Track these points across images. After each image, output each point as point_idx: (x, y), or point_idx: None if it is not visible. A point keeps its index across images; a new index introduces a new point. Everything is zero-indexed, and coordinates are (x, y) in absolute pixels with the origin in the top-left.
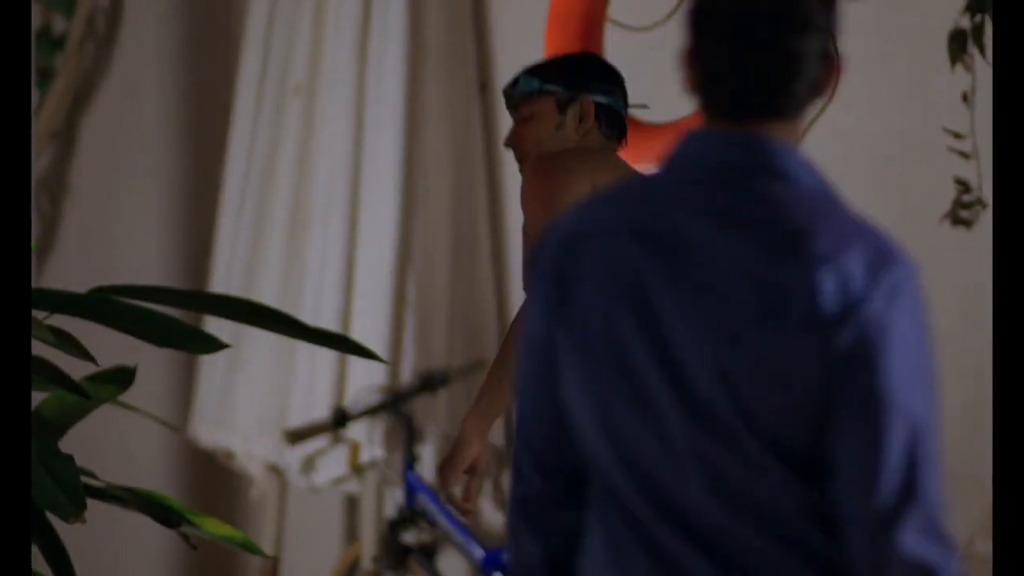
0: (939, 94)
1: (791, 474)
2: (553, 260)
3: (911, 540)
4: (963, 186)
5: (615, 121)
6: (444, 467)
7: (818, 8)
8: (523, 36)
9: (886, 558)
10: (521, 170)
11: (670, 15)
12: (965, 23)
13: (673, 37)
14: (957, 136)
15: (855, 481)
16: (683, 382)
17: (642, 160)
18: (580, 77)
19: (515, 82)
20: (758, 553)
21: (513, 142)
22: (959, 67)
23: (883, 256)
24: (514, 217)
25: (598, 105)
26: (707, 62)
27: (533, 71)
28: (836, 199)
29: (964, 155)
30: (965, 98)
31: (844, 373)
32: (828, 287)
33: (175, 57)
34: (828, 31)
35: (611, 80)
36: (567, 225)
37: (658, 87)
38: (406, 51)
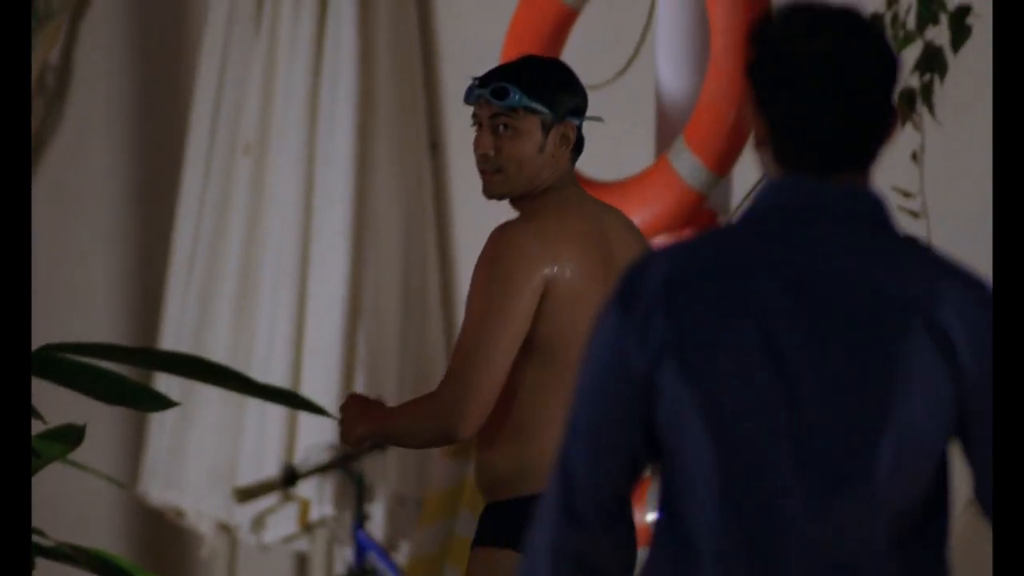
0: (888, 153)
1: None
2: (659, 298)
3: None
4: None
5: (581, 140)
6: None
7: (890, 63)
8: None
9: None
10: (489, 183)
11: (619, 74)
12: (914, 82)
13: (623, 95)
14: (906, 195)
15: None
16: (814, 435)
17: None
18: (567, 100)
19: (500, 91)
20: None
21: (488, 153)
22: (908, 126)
23: (985, 293)
24: (465, 275)
25: (578, 128)
26: (788, 121)
27: (516, 81)
28: (924, 245)
29: (913, 214)
30: (914, 157)
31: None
32: (959, 333)
33: (125, 115)
34: (895, 82)
35: (583, 96)
36: (674, 261)
37: (610, 145)
38: (356, 110)
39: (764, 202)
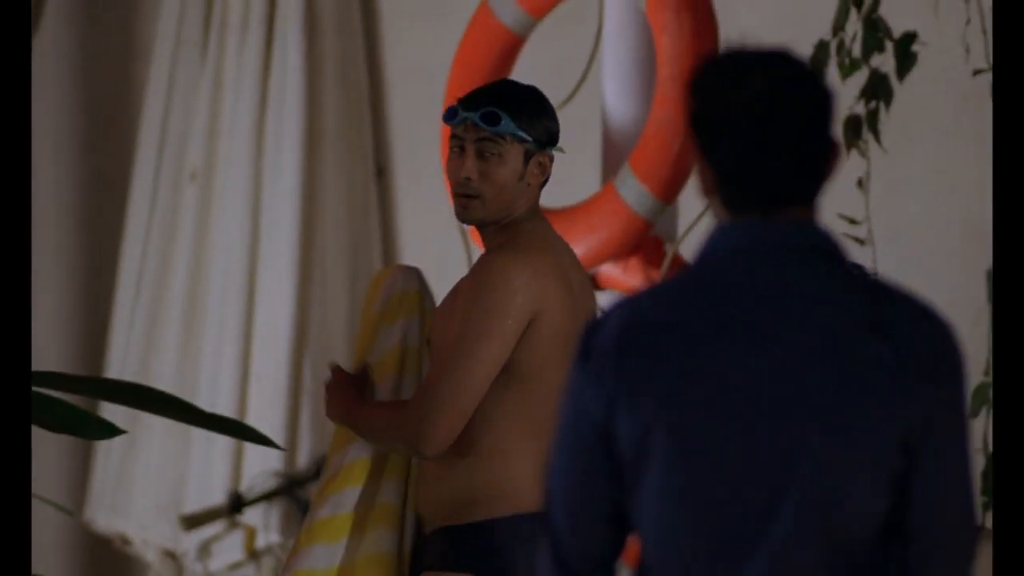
0: (834, 180)
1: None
2: (629, 352)
3: None
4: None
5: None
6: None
7: (824, 100)
8: (420, 121)
9: None
10: (465, 208)
11: (565, 102)
12: (860, 109)
13: (570, 122)
14: (852, 222)
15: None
16: (773, 471)
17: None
18: (547, 129)
19: (490, 116)
20: None
21: (470, 177)
22: (854, 153)
23: (936, 321)
24: None
25: (552, 157)
26: (729, 163)
27: (505, 107)
28: (872, 275)
29: (859, 241)
30: (860, 184)
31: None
32: (909, 357)
33: (71, 142)
34: (831, 117)
35: (557, 126)
36: (640, 315)
37: (556, 171)
38: (303, 137)
39: (713, 246)
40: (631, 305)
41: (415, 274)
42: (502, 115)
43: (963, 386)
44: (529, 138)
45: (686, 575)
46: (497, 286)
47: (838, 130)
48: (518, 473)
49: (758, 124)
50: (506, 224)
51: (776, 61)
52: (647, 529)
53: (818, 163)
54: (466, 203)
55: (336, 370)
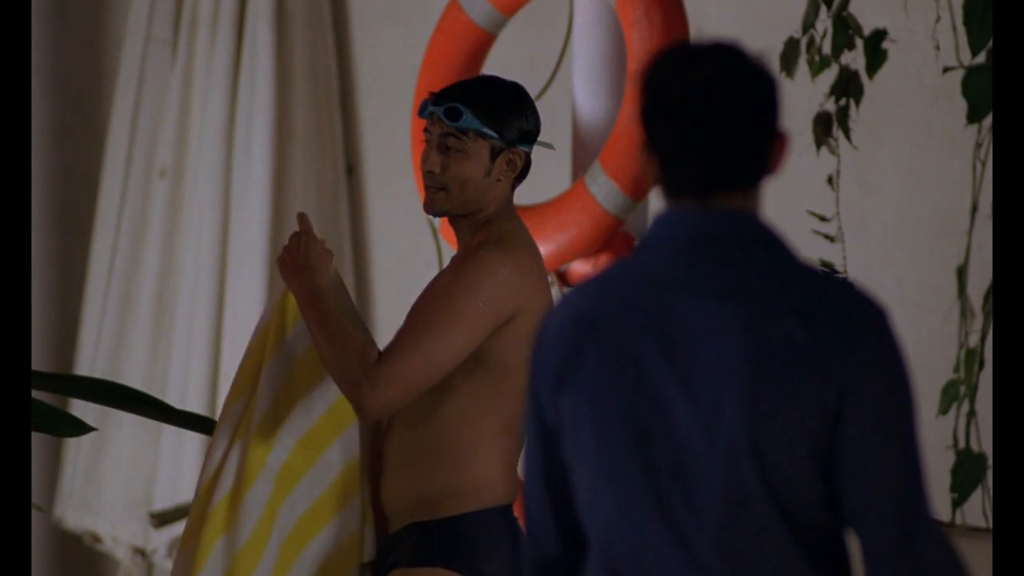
0: (804, 177)
1: (794, 533)
2: (558, 345)
3: None
4: (828, 268)
5: (528, 166)
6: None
7: (766, 89)
8: (390, 119)
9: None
10: (431, 200)
11: (537, 97)
12: (830, 107)
13: (542, 117)
14: (822, 219)
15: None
16: (696, 456)
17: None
18: (518, 127)
19: (453, 112)
20: None
21: (434, 171)
22: (824, 150)
23: (858, 301)
24: (381, 295)
25: (524, 155)
26: (670, 149)
27: (471, 103)
28: (807, 261)
29: (829, 238)
30: (830, 180)
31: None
32: (823, 336)
33: (41, 138)
34: (776, 108)
35: (536, 123)
36: (569, 309)
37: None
38: (273, 134)
39: (652, 234)
40: (570, 297)
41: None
42: (464, 111)
43: (889, 367)
44: (494, 134)
45: (634, 562)
46: (482, 276)
47: (802, 125)
48: (488, 468)
49: (697, 110)
50: (482, 222)
51: (722, 51)
52: (588, 519)
53: (759, 151)
54: (432, 195)
55: (304, 218)
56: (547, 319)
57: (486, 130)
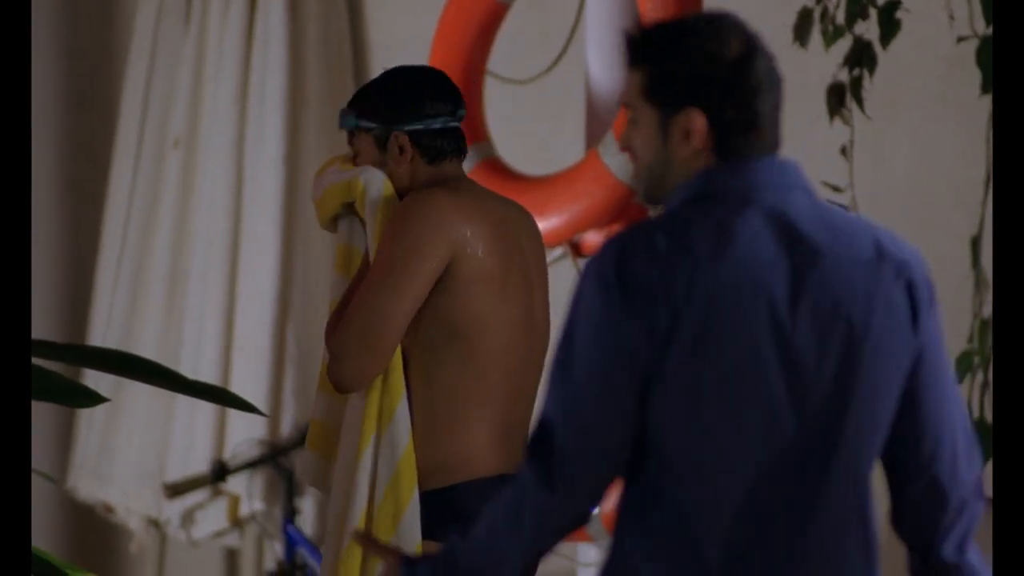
0: (817, 147)
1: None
2: (661, 287)
3: None
4: None
5: (436, 143)
6: None
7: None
8: None
9: None
10: None
11: (548, 69)
12: (844, 77)
13: (553, 90)
14: (836, 189)
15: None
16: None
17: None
18: (391, 111)
19: (341, 117)
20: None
21: None
22: (838, 120)
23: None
24: None
25: (419, 132)
26: (728, 116)
27: (352, 103)
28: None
29: (843, 207)
30: (843, 151)
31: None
32: (919, 278)
33: (54, 109)
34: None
35: (430, 100)
36: (658, 252)
37: (540, 140)
38: (286, 104)
39: (708, 186)
40: (652, 241)
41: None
42: (345, 112)
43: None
44: (372, 125)
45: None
46: (414, 215)
47: (816, 95)
48: (473, 439)
49: (754, 76)
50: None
51: (733, 21)
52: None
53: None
54: None
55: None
56: (634, 254)
57: (363, 123)
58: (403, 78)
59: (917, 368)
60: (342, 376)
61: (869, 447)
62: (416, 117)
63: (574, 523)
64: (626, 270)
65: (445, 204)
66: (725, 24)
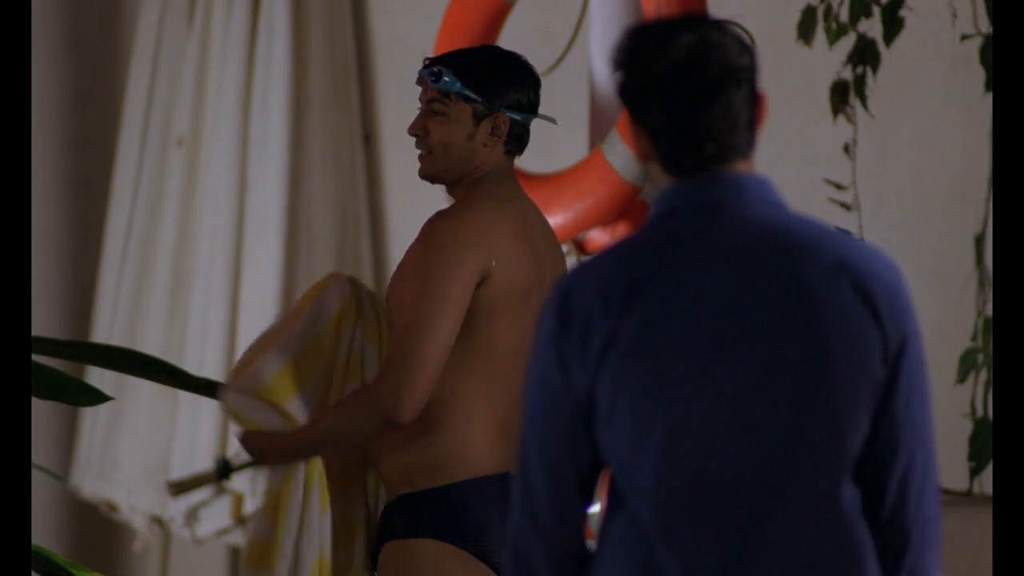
0: (820, 145)
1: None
2: (597, 312)
3: None
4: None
5: (523, 136)
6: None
7: (740, 56)
8: (407, 87)
9: None
10: (421, 164)
11: (552, 68)
12: (847, 75)
13: (558, 88)
14: (839, 187)
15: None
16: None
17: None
18: (503, 93)
19: (435, 74)
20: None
21: (419, 133)
22: (840, 118)
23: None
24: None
25: (518, 121)
26: (664, 127)
27: (455, 67)
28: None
29: (845, 206)
30: (847, 149)
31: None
32: (881, 294)
33: (58, 107)
34: (752, 73)
35: (530, 93)
36: (605, 275)
37: (544, 138)
38: (290, 102)
39: (668, 206)
40: (607, 263)
41: (347, 285)
42: (447, 73)
43: (917, 330)
44: (476, 98)
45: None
46: (446, 246)
47: (819, 93)
48: (474, 437)
49: (687, 82)
50: (470, 185)
51: (694, 23)
52: (633, 472)
53: (749, 116)
54: (421, 159)
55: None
56: (581, 286)
57: (468, 92)
58: (516, 62)
59: (882, 385)
60: (411, 403)
61: (835, 462)
62: (529, 106)
63: (577, 544)
64: (572, 298)
65: (474, 227)
66: (664, 31)
